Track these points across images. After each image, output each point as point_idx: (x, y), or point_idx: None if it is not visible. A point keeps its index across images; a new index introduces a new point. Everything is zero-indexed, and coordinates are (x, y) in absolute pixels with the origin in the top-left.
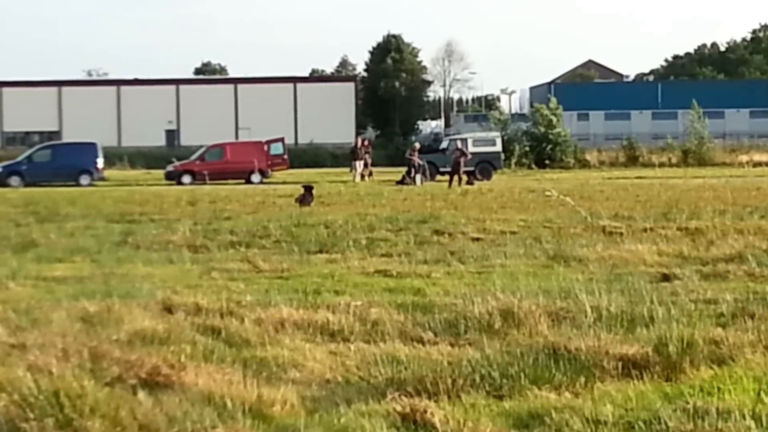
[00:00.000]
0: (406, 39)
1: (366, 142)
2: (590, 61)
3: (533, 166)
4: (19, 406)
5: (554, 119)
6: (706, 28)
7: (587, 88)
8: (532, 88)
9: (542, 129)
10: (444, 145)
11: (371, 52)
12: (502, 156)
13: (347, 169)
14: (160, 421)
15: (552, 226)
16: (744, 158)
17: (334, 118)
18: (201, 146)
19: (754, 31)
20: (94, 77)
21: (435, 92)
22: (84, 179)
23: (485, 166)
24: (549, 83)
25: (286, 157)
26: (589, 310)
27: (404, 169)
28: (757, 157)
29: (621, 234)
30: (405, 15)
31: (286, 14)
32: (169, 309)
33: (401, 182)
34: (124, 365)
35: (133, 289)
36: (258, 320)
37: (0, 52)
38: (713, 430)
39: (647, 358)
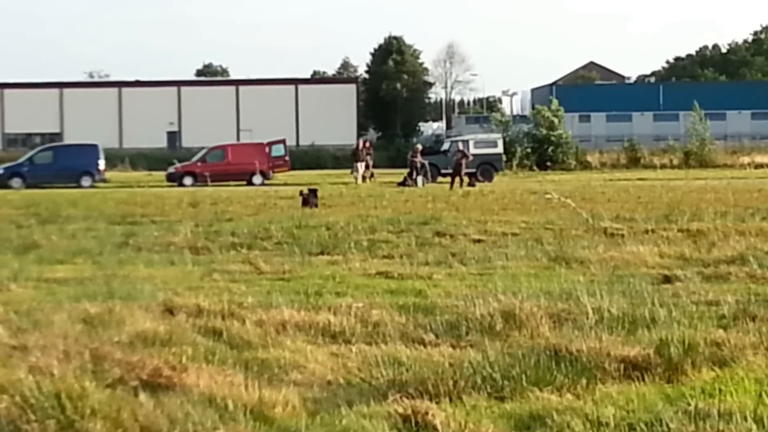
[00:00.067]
0: (408, 41)
1: (367, 144)
2: (592, 63)
3: (534, 167)
4: (20, 408)
5: (556, 121)
6: (707, 29)
7: (589, 89)
8: (533, 90)
9: (543, 131)
10: (445, 146)
11: (373, 54)
12: (504, 158)
13: (348, 171)
14: (161, 422)
15: (553, 228)
16: (745, 160)
17: (335, 120)
18: (202, 148)
19: (755, 33)
20: (96, 79)
21: (436, 94)
22: (85, 181)
23: (486, 167)
24: (550, 85)
25: (287, 158)
26: (590, 311)
27: (406, 171)
28: (759, 158)
29: (622, 235)
30: (406, 17)
31: (287, 16)
32: (170, 310)
33: (403, 184)
34: (125, 367)
35: (134, 290)
36: (259, 322)
37: (1, 54)
38: None
39: (648, 359)
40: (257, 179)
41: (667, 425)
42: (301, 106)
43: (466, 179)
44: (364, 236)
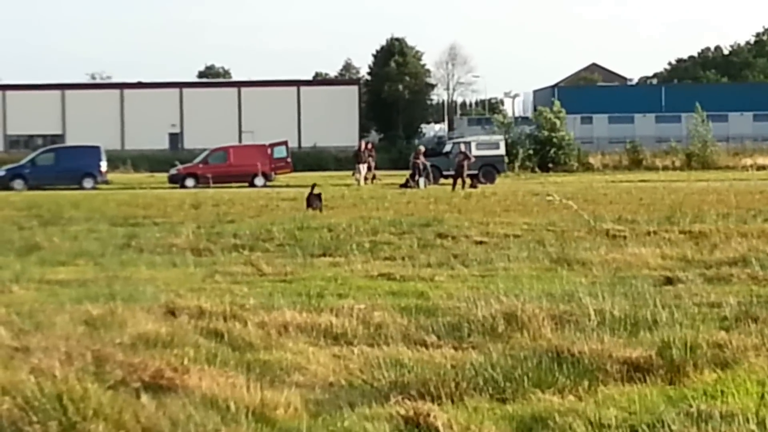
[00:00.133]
0: (410, 42)
1: (369, 146)
2: (594, 65)
3: (537, 169)
4: (22, 410)
5: (558, 122)
6: (709, 31)
7: (591, 91)
8: (535, 92)
9: (546, 132)
10: (447, 148)
11: (375, 56)
12: (506, 159)
13: (350, 173)
14: (163, 424)
15: (555, 230)
16: (748, 161)
17: (337, 122)
18: (204, 149)
19: (757, 35)
20: (98, 80)
21: (438, 95)
22: (87, 182)
23: (489, 169)
24: (553, 86)
25: (289, 160)
26: (592, 313)
27: (408, 173)
28: (761, 160)
29: (624, 237)
30: (409, 18)
31: (289, 18)
32: (172, 312)
33: (405, 185)
34: (127, 368)
35: (136, 292)
36: (261, 323)
37: (4, 56)
38: None
39: (650, 361)
40: (259, 181)
41: (669, 427)
42: (303, 107)
43: (468, 181)
44: (366, 238)
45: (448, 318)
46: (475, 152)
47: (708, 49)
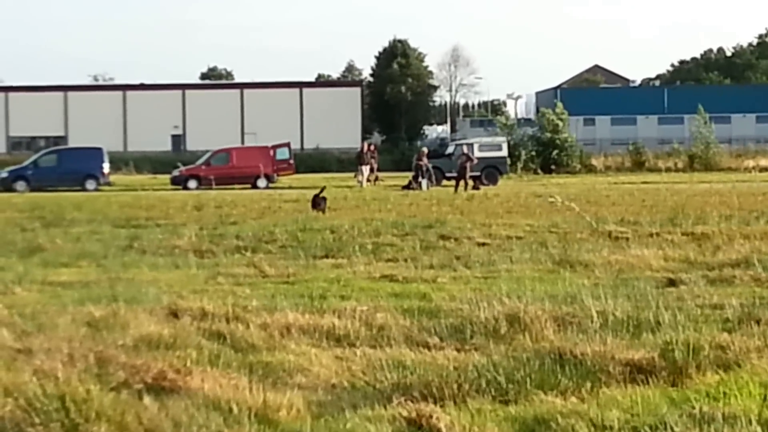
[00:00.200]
0: (413, 44)
1: (372, 147)
2: (596, 66)
3: (539, 171)
4: (25, 411)
5: (560, 124)
6: (712, 33)
7: (593, 93)
8: (538, 93)
9: (548, 134)
10: (450, 150)
11: (377, 57)
12: (508, 161)
13: (353, 174)
14: (165, 426)
15: (558, 231)
16: (750, 163)
17: (340, 123)
18: (207, 151)
19: (760, 36)
20: (100, 82)
21: (441, 97)
22: (90, 184)
23: (491, 171)
24: (555, 88)
25: (292, 161)
26: (595, 315)
27: (410, 174)
28: (764, 162)
29: (627, 239)
30: (411, 20)
31: (292, 19)
32: (174, 314)
33: (407, 187)
34: (129, 370)
35: (138, 293)
36: (264, 325)
37: (6, 57)
38: None
39: (653, 363)
40: (262, 182)
41: (672, 429)
42: (305, 109)
43: (470, 182)
44: (368, 239)
45: (450, 320)
46: (477, 154)
47: (711, 50)
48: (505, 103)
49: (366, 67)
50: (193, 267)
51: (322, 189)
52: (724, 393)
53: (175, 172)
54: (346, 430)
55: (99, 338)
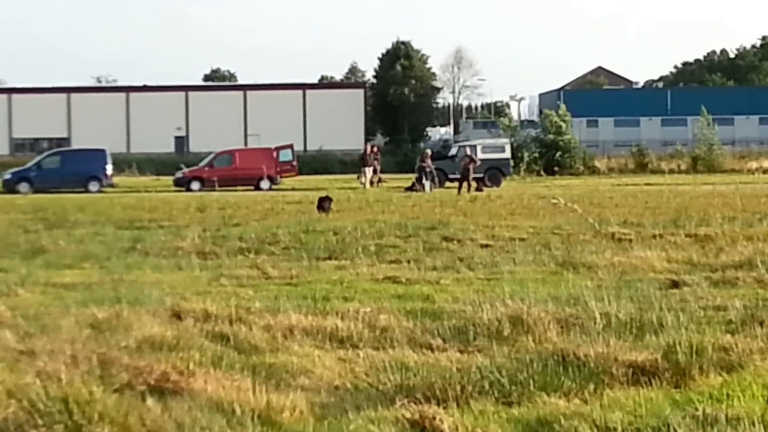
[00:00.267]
0: (416, 45)
1: (375, 149)
2: (599, 68)
3: (542, 172)
4: (28, 413)
5: (563, 126)
6: (715, 34)
7: (596, 94)
8: (541, 95)
9: (551, 135)
10: (453, 151)
11: (380, 59)
12: (511, 162)
13: (356, 176)
14: (168, 427)
15: (561, 233)
16: (753, 165)
17: (343, 125)
18: (210, 153)
19: (763, 38)
20: (103, 84)
21: (444, 99)
22: (93, 186)
23: (494, 172)
24: (558, 90)
25: (295, 163)
26: (598, 316)
27: (414, 176)
28: (767, 163)
29: (630, 240)
30: (414, 22)
31: (295, 21)
32: (178, 315)
33: (410, 189)
34: (133, 372)
35: (142, 295)
36: (267, 327)
37: (9, 59)
38: None
39: (656, 364)
40: (265, 184)
41: (675, 430)
42: (308, 111)
43: (473, 184)
44: (371, 241)
45: (453, 321)
46: (480, 155)
47: (714, 52)
48: (508, 105)
49: (369, 69)
50: (196, 269)
51: (327, 199)
52: (727, 395)
53: (178, 174)
54: (349, 431)
55: (102, 340)
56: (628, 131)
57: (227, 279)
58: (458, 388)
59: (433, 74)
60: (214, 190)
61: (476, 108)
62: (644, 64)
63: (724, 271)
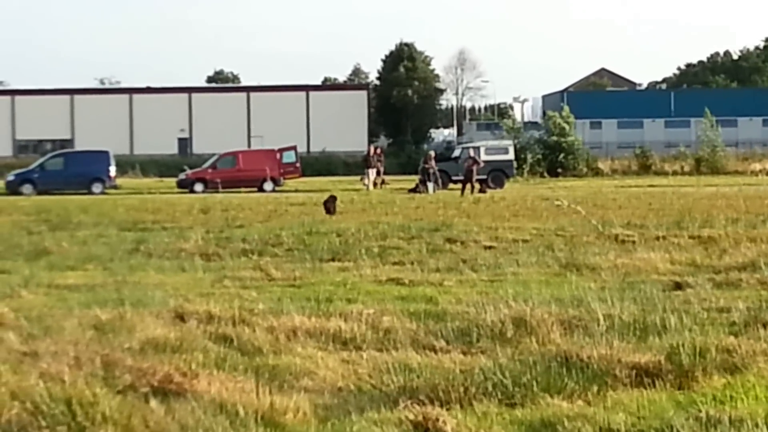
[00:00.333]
0: (419, 47)
1: (378, 150)
2: (603, 70)
3: (546, 174)
4: (31, 414)
5: (567, 127)
6: (718, 36)
7: (600, 96)
8: (544, 97)
9: (555, 137)
10: (456, 153)
11: (384, 61)
12: (515, 164)
13: (359, 178)
14: (172, 429)
15: (564, 235)
16: (757, 166)
17: (346, 127)
18: (213, 154)
19: (767, 39)
20: (107, 85)
21: (447, 100)
22: (96, 187)
23: (498, 174)
24: (561, 91)
25: (298, 165)
26: (601, 318)
27: (417, 178)
28: None
29: (633, 242)
30: (418, 23)
31: (298, 23)
32: (181, 317)
33: (414, 190)
34: (136, 373)
35: (145, 297)
36: (270, 328)
37: (13, 61)
38: None
39: (660, 366)
40: (268, 186)
41: None
42: (312, 112)
43: (477, 186)
44: (374, 243)
45: (457, 323)
46: (484, 157)
47: (717, 54)
48: (511, 107)
49: (372, 71)
50: (200, 270)
51: (332, 200)
52: (731, 396)
53: (182, 176)
54: None
55: (105, 341)
56: (632, 133)
57: (230, 281)
58: (461, 389)
59: (437, 76)
60: (217, 192)
61: (479, 110)
62: (647, 66)
63: (728, 273)
